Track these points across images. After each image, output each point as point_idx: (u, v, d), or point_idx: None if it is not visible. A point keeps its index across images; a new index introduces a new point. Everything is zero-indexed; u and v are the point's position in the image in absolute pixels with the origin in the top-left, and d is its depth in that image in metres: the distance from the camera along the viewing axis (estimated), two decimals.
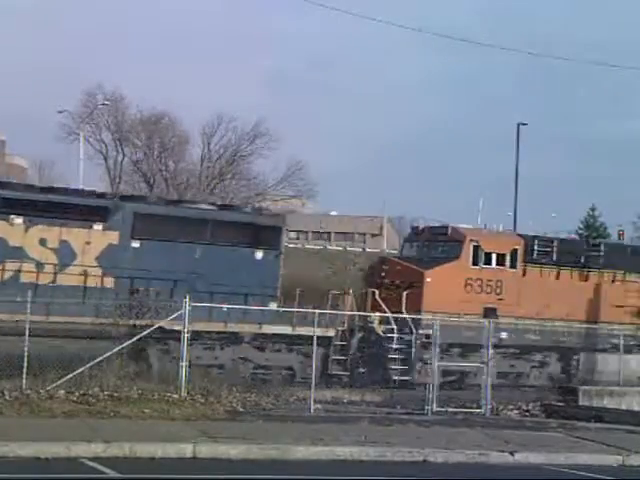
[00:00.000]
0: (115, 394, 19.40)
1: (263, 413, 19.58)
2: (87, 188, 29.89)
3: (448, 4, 76.25)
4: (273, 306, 25.05)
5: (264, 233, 25.73)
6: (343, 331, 25.79)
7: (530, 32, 72.51)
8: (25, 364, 19.37)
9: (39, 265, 23.29)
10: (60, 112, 57.82)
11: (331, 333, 25.15)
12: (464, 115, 69.70)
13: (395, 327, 26.36)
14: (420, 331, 26.30)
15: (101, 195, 26.24)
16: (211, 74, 71.64)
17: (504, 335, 27.56)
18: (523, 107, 68.09)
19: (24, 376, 19.21)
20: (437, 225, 30.04)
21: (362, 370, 25.92)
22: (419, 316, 26.20)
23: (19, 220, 23.39)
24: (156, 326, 21.29)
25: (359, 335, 26.43)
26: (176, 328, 20.98)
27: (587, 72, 71.93)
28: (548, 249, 29.63)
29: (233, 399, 20.39)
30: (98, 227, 24.14)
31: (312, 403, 20.58)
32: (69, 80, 72.40)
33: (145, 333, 21.29)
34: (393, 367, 26.15)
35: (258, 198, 60.62)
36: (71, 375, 19.68)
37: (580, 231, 56.35)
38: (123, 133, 63.83)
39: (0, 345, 20.04)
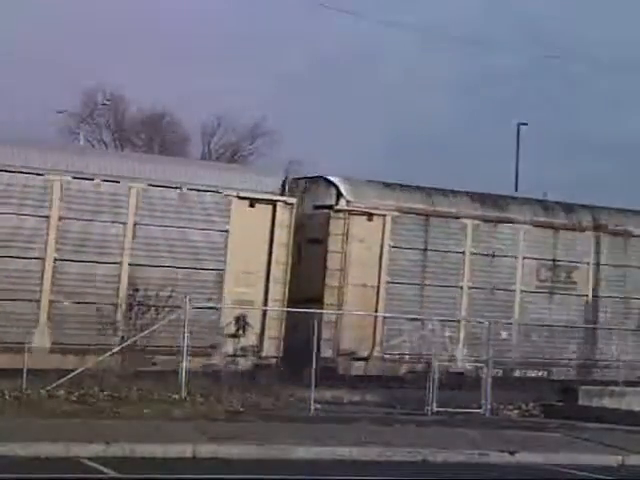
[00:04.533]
0: (115, 394, 19.42)
1: (263, 413, 19.57)
2: None
3: (449, 4, 76.34)
4: None
5: None
6: None
7: (531, 33, 72.61)
8: (25, 364, 19.41)
9: None
10: (60, 112, 57.87)
11: None
12: (465, 115, 69.76)
13: None
14: None
15: None
16: (211, 74, 71.55)
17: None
18: (524, 107, 67.97)
19: (24, 376, 19.23)
20: None
21: None
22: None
23: None
24: (157, 326, 21.28)
25: None
26: None
27: (587, 72, 71.96)
28: None
29: (233, 399, 20.39)
30: None
31: (312, 403, 20.59)
32: (69, 80, 72.30)
33: (146, 333, 21.29)
34: None
35: None
36: (71, 375, 19.70)
37: None
38: (123, 133, 63.89)
39: None
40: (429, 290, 25.43)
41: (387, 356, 24.81)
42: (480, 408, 22.12)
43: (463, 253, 25.89)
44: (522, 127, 52.48)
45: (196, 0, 77.37)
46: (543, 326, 26.40)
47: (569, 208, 28.01)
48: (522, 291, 26.71)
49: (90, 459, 14.08)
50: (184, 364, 20.40)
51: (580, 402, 23.53)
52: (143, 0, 76.23)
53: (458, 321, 25.62)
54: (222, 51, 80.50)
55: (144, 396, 19.58)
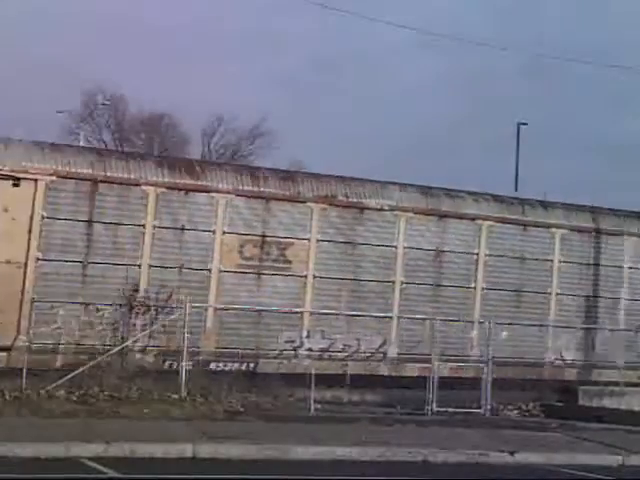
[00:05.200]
0: (115, 394, 19.43)
1: (263, 413, 19.58)
2: None
3: (449, 3, 76.38)
4: None
5: None
6: None
7: (532, 32, 72.51)
8: (25, 364, 19.40)
9: None
10: (60, 112, 57.87)
11: None
12: (465, 115, 69.73)
13: None
14: None
15: None
16: (212, 74, 71.63)
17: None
18: (524, 107, 68.08)
19: (24, 376, 19.22)
20: None
21: None
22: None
23: None
24: (156, 326, 21.27)
25: None
26: None
27: (586, 73, 72.11)
28: None
29: (233, 399, 20.40)
30: None
31: (312, 403, 20.58)
32: (69, 80, 72.32)
33: (145, 332, 21.28)
34: None
35: None
36: (71, 375, 19.70)
37: None
38: (123, 133, 63.90)
39: None
40: (95, 268, 22.15)
41: (36, 346, 21.17)
42: (480, 408, 22.14)
43: (143, 226, 22.57)
44: (522, 127, 52.43)
45: (197, 0, 77.48)
46: (246, 311, 23.06)
47: (288, 177, 24.58)
48: (220, 270, 23.22)
49: (90, 459, 14.08)
50: (184, 364, 20.40)
51: (580, 402, 23.57)
52: (143, 0, 76.34)
53: (137, 305, 22.34)
54: (222, 51, 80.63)
55: (144, 396, 19.59)
